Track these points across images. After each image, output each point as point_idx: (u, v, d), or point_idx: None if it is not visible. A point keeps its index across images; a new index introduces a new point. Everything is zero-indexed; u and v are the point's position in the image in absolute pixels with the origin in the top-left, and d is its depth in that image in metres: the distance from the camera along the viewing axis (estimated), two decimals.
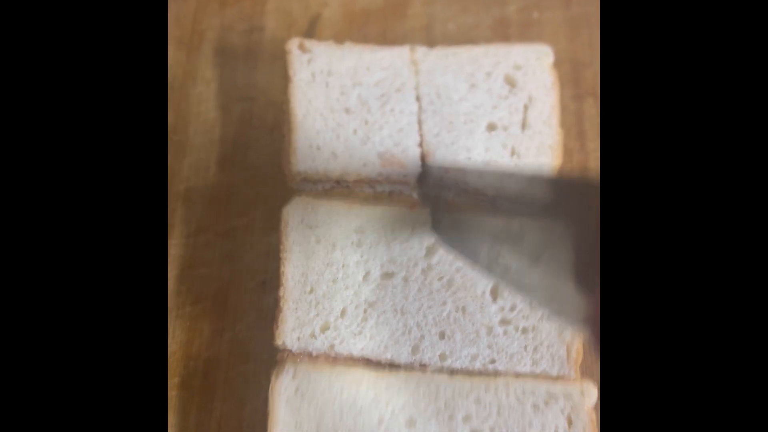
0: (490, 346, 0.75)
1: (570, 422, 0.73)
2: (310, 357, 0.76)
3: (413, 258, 0.79)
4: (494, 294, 0.78)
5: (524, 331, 0.76)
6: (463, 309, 0.77)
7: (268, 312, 0.83)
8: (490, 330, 0.76)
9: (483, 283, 0.78)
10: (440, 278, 0.78)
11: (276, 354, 0.79)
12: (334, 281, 0.77)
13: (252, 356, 0.80)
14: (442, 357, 0.75)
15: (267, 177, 0.90)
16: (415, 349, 0.75)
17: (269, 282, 0.84)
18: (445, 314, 0.76)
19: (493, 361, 0.75)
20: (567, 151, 0.88)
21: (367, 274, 0.78)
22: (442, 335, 0.76)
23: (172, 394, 0.78)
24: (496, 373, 0.75)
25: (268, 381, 0.79)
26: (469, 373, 0.75)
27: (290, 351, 0.75)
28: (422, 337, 0.76)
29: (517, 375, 0.75)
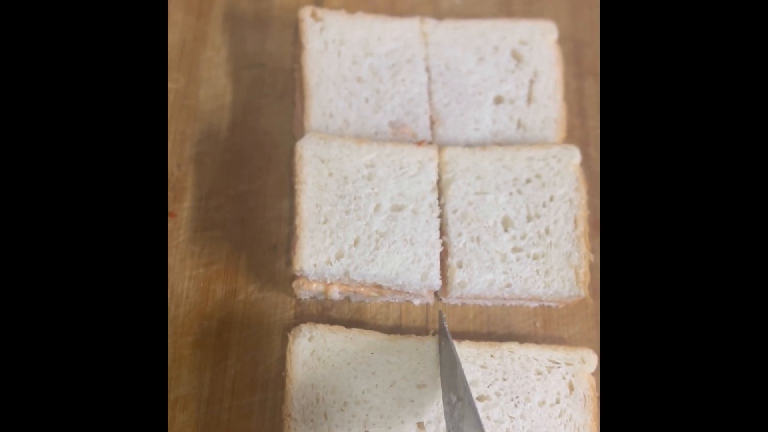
0: (505, 272, 0.79)
1: (571, 388, 0.76)
2: (326, 284, 0.79)
3: (421, 192, 0.81)
4: (506, 224, 0.81)
5: (535, 257, 0.80)
6: (478, 239, 0.80)
7: (280, 275, 0.84)
8: (504, 257, 0.80)
9: (495, 214, 0.81)
10: (454, 211, 0.81)
11: (288, 316, 0.82)
12: (346, 212, 0.80)
13: (264, 318, 0.82)
14: (461, 285, 0.78)
15: (278, 143, 0.91)
16: (424, 276, 0.78)
17: (280, 246, 0.86)
18: (461, 244, 0.80)
19: (508, 285, 0.79)
20: (569, 128, 0.91)
21: (377, 207, 0.80)
22: (460, 264, 0.79)
23: (187, 352, 0.80)
24: (512, 297, 0.80)
25: (280, 341, 0.81)
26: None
27: (306, 278, 0.78)
28: (431, 265, 0.78)
29: (532, 298, 0.80)
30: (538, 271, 0.79)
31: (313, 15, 0.91)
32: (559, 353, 0.78)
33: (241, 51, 0.95)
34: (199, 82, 0.93)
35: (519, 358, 0.77)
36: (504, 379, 0.76)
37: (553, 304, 0.84)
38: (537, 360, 0.77)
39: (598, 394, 0.76)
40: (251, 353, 0.80)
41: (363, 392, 0.74)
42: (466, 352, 0.77)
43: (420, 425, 0.74)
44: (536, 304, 0.85)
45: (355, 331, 0.77)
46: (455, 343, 0.76)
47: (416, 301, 0.84)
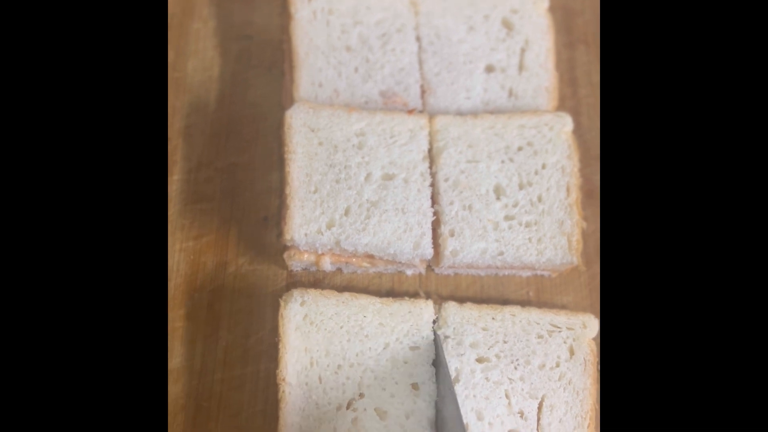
0: (497, 240, 0.79)
1: (572, 352, 0.76)
2: (317, 255, 0.79)
3: (412, 161, 0.81)
4: (498, 192, 0.81)
5: (528, 225, 0.79)
6: (470, 207, 0.79)
7: (271, 247, 0.84)
8: (496, 225, 0.79)
9: (487, 182, 0.80)
10: (446, 180, 0.80)
11: (279, 288, 0.82)
12: (337, 181, 0.79)
13: (256, 290, 0.82)
14: (453, 253, 0.78)
15: (266, 115, 0.90)
16: (416, 245, 0.78)
17: (271, 218, 0.85)
18: (453, 213, 0.79)
19: (501, 254, 0.78)
20: (560, 97, 0.91)
21: (368, 176, 0.80)
22: (452, 232, 0.78)
23: (178, 325, 0.79)
24: (504, 266, 0.79)
25: (272, 313, 0.81)
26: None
27: (297, 248, 0.77)
28: (423, 234, 0.78)
29: (525, 266, 0.79)
30: (530, 239, 0.79)
31: None
32: (560, 317, 0.78)
33: (228, 23, 0.94)
34: (187, 54, 0.92)
35: (520, 321, 0.77)
36: (504, 342, 0.76)
37: (545, 273, 0.84)
38: (538, 324, 0.77)
39: (599, 359, 0.76)
40: (243, 325, 0.80)
41: (357, 355, 0.74)
42: (467, 314, 0.77)
43: (414, 386, 0.73)
44: (529, 273, 0.84)
45: (347, 295, 0.77)
46: (456, 306, 0.76)
47: (408, 272, 0.84)
